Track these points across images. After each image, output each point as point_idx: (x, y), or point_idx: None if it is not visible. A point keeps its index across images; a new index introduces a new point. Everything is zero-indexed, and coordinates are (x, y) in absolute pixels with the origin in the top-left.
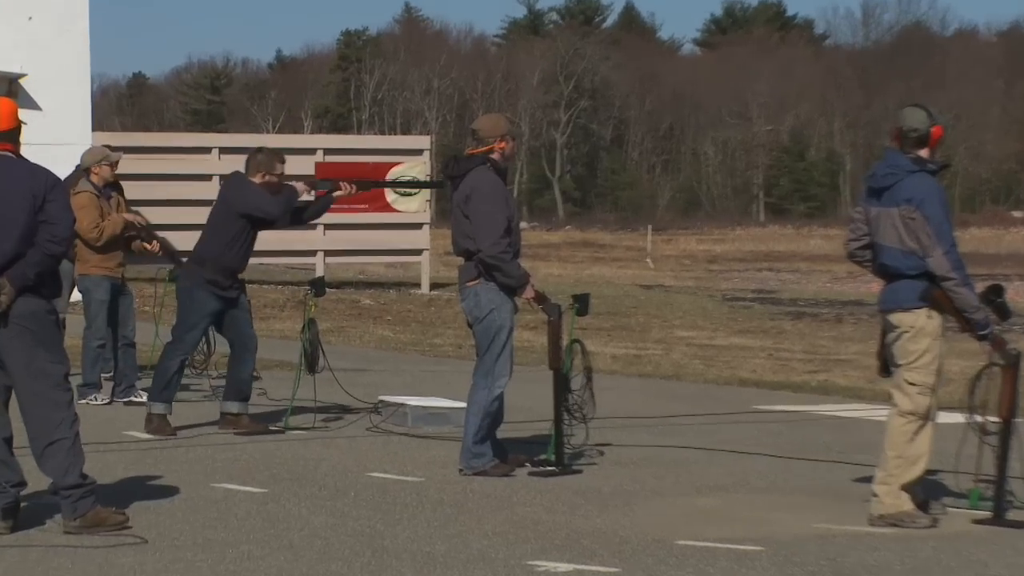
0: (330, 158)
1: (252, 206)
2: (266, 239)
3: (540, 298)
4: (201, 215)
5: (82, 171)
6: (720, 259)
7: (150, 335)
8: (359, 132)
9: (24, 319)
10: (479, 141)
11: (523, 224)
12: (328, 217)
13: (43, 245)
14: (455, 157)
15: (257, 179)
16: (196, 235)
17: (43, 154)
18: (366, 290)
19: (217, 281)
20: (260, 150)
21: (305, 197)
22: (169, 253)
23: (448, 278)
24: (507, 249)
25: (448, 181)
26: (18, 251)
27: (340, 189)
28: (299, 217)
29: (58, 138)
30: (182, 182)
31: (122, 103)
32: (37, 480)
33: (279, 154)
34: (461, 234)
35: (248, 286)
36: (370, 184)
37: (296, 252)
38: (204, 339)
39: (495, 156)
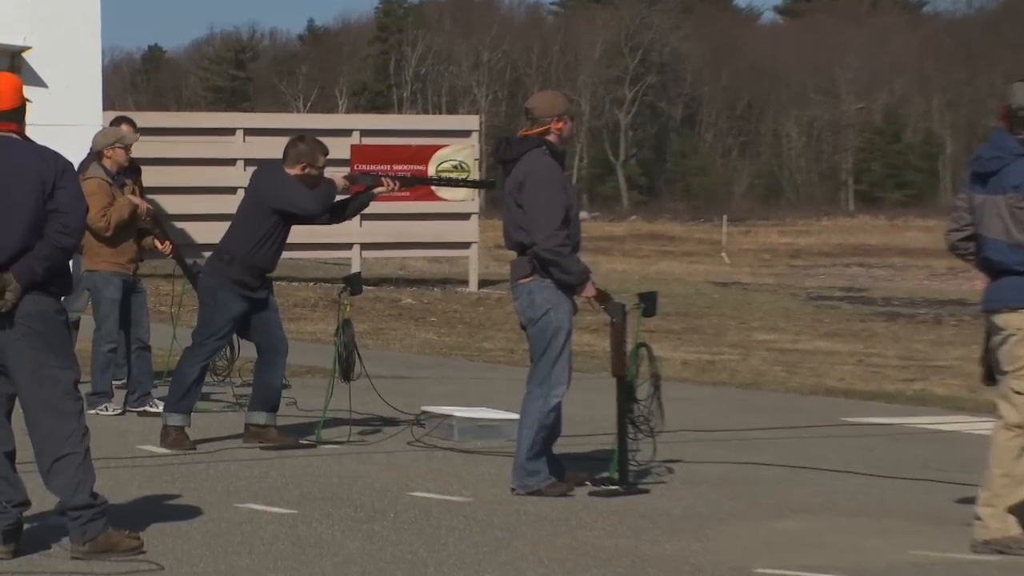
0: (367, 140)
1: (289, 202)
2: (296, 232)
3: (602, 297)
4: (223, 204)
5: (94, 155)
6: (804, 253)
7: (167, 338)
8: (399, 111)
9: (31, 319)
10: (534, 121)
11: (583, 214)
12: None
13: (53, 237)
14: (507, 139)
15: (295, 171)
16: (216, 226)
17: (49, 136)
18: (407, 288)
19: (246, 282)
20: (302, 138)
21: (340, 196)
22: (180, 262)
23: (499, 274)
24: (565, 242)
25: (499, 166)
26: (25, 244)
27: (381, 185)
28: (339, 214)
29: (65, 118)
30: (202, 167)
31: (136, 79)
32: (42, 499)
33: (322, 145)
34: (513, 225)
35: (275, 283)
36: (414, 181)
37: (329, 246)
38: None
39: (551, 138)
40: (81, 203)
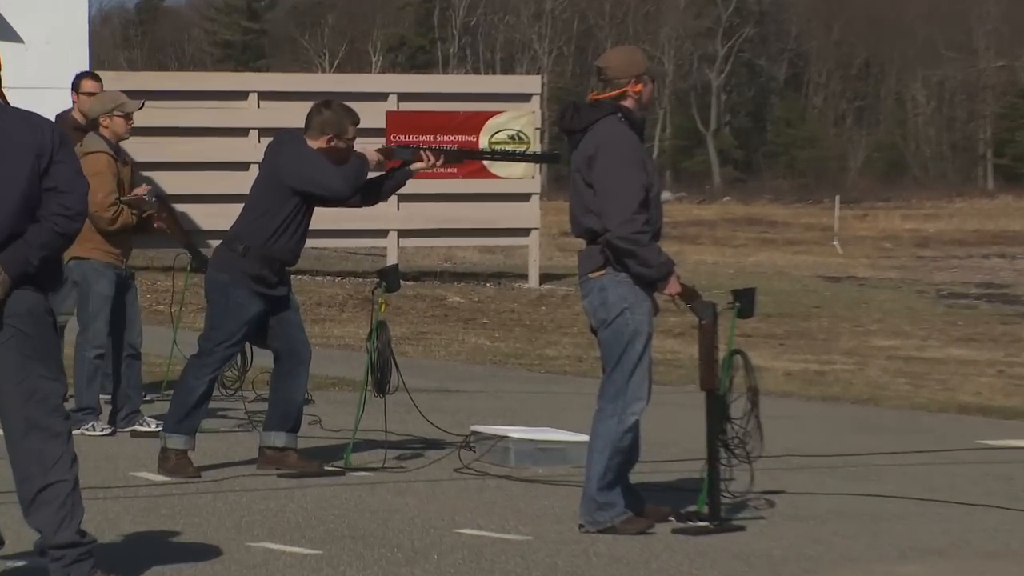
0: (406, 106)
1: (312, 180)
2: (321, 216)
3: (688, 294)
4: (233, 182)
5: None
6: (933, 242)
7: (165, 343)
8: (445, 71)
9: (20, 320)
10: (607, 83)
11: (665, 195)
12: (405, 186)
13: (52, 220)
14: (574, 105)
15: (319, 143)
16: (225, 210)
17: (25, 100)
18: (454, 283)
19: (262, 276)
20: (328, 104)
21: (373, 173)
22: (183, 238)
23: (565, 267)
24: (644, 228)
25: (564, 137)
26: (15, 227)
27: (420, 160)
28: (373, 194)
29: (45, 79)
30: (207, 138)
31: (129, 34)
32: (18, 535)
33: (352, 112)
34: (582, 209)
35: (295, 278)
36: (462, 155)
37: (360, 232)
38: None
39: (628, 103)
40: (82, 181)
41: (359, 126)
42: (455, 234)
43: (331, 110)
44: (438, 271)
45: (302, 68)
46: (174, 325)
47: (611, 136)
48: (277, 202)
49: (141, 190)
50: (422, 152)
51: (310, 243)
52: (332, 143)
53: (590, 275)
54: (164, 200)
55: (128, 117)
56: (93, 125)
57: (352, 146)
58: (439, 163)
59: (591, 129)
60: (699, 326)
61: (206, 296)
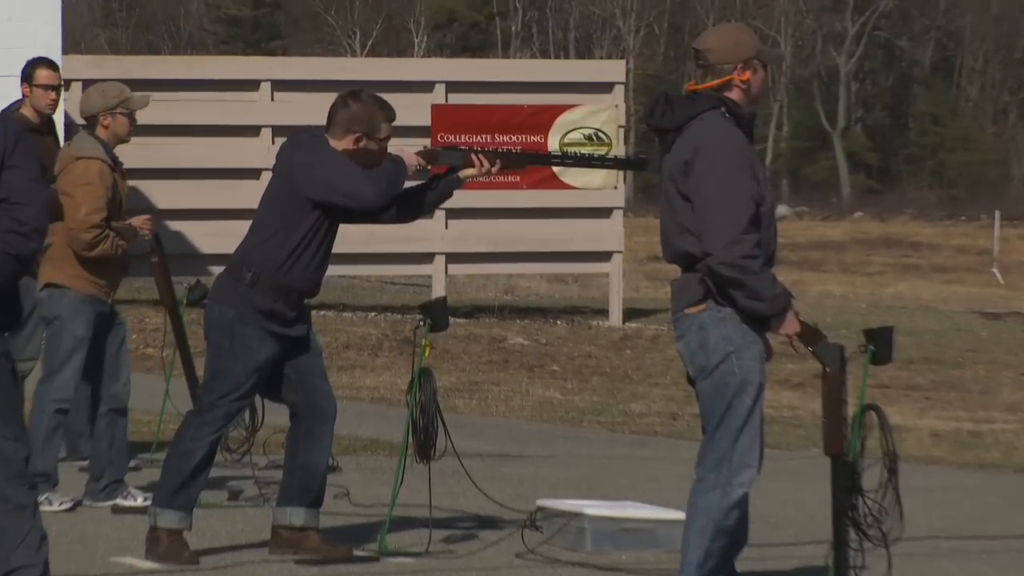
0: (456, 98)
1: (335, 188)
2: (348, 236)
3: (809, 334)
4: (239, 194)
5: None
6: None
7: (155, 396)
8: (504, 54)
9: None
10: (708, 69)
11: (782, 209)
12: (454, 198)
13: (2, 239)
14: (667, 96)
15: (345, 143)
16: (229, 228)
17: None
18: (517, 321)
19: (276, 312)
20: (356, 95)
21: (412, 182)
22: (167, 298)
23: (655, 301)
24: (754, 252)
25: (656, 137)
26: None
27: (472, 165)
28: (413, 207)
29: (7, 65)
30: (207, 138)
31: (112, 8)
32: None
33: (386, 106)
34: (676, 227)
35: (317, 314)
36: (525, 159)
37: (399, 257)
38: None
39: (734, 95)
40: (40, 191)
41: (395, 123)
42: (518, 259)
43: (360, 102)
44: (496, 305)
45: (327, 51)
46: (166, 373)
47: (713, 136)
48: (292, 218)
49: (139, 220)
50: (474, 155)
51: (336, 270)
52: (361, 144)
53: (686, 310)
54: (161, 246)
55: (132, 116)
56: (91, 123)
57: (386, 148)
58: (495, 169)
59: (688, 127)
60: (823, 375)
61: (206, 337)
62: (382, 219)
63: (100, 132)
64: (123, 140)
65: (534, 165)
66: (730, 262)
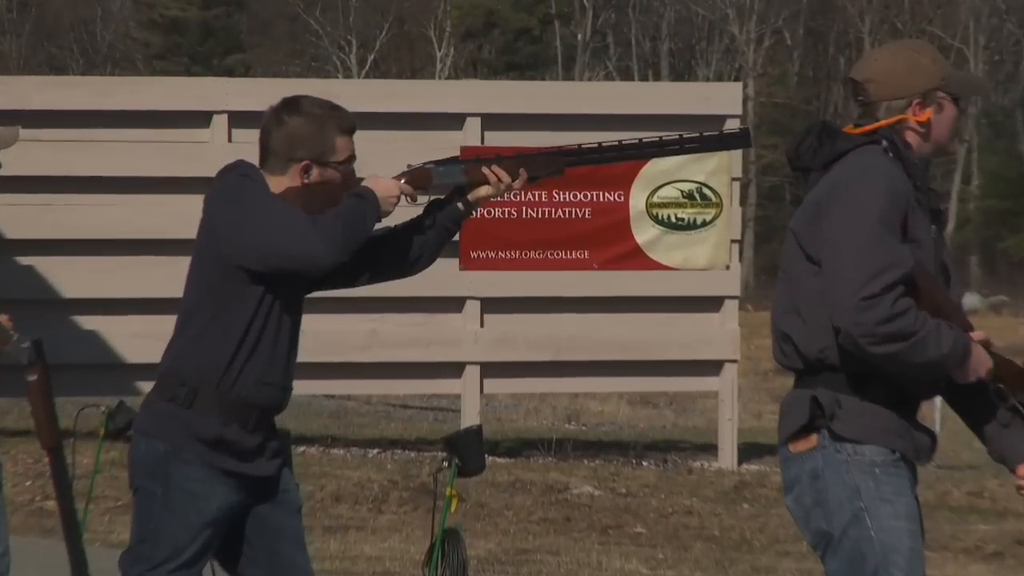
0: (494, 137)
1: (276, 250)
2: (343, 339)
3: (1015, 374)
4: (180, 279)
5: None
6: None
7: (58, 568)
8: (566, 75)
9: None
10: (869, 107)
11: (970, 299)
12: (490, 283)
13: None
14: (823, 127)
15: (290, 179)
16: (167, 326)
17: None
18: (584, 460)
19: (227, 441)
20: (291, 105)
21: (385, 218)
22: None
23: None
24: (895, 310)
25: (799, 178)
26: None
27: (484, 181)
28: (399, 258)
29: None
30: (132, 195)
31: (5, 17)
32: None
33: (339, 112)
34: (785, 303)
35: (294, 451)
36: (560, 160)
37: (412, 368)
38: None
39: (909, 138)
40: None
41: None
42: (584, 371)
43: (299, 114)
44: (555, 438)
45: (310, 70)
46: (79, 531)
47: (857, 171)
48: (230, 297)
49: (2, 317)
50: (484, 168)
51: (323, 387)
52: (309, 176)
53: (789, 446)
54: (42, 357)
55: None
56: None
57: (352, 174)
58: (519, 184)
59: (836, 165)
60: None
61: (131, 485)
62: (358, 282)
63: None
64: None
65: (577, 166)
66: (862, 333)
